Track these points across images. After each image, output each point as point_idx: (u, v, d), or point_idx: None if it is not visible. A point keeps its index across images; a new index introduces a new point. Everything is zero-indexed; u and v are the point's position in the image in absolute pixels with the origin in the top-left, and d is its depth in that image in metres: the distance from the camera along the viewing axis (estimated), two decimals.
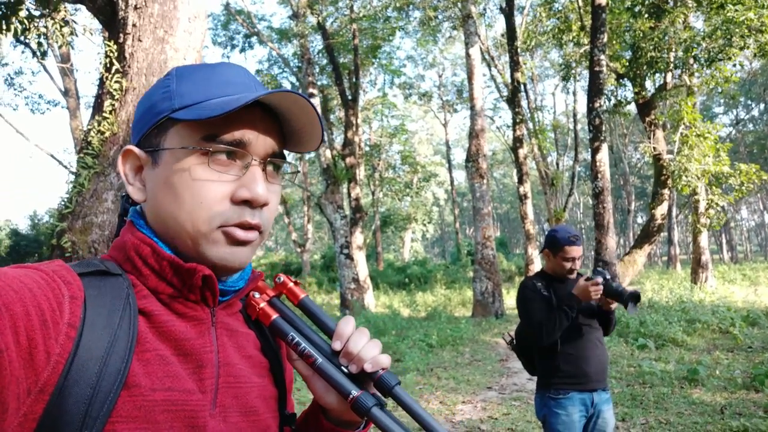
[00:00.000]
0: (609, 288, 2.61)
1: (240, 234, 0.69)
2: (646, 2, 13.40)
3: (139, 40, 3.85)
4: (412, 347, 8.75)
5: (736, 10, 11.61)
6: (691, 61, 13.58)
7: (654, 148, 14.44)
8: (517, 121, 17.12)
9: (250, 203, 0.69)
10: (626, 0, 14.34)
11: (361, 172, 20.76)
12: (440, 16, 19.91)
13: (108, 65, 3.92)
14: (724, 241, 42.61)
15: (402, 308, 15.50)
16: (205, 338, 0.70)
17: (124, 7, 3.90)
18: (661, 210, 14.48)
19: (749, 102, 36.07)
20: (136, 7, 3.86)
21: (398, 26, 18.75)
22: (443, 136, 37.72)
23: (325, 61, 19.39)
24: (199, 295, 0.70)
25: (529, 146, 18.89)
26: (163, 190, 0.70)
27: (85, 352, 0.59)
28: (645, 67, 13.76)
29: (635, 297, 2.61)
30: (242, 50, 23.52)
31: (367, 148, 25.46)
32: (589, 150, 12.71)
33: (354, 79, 17.49)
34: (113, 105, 3.86)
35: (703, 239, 16.79)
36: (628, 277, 14.64)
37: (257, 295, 0.77)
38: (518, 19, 19.57)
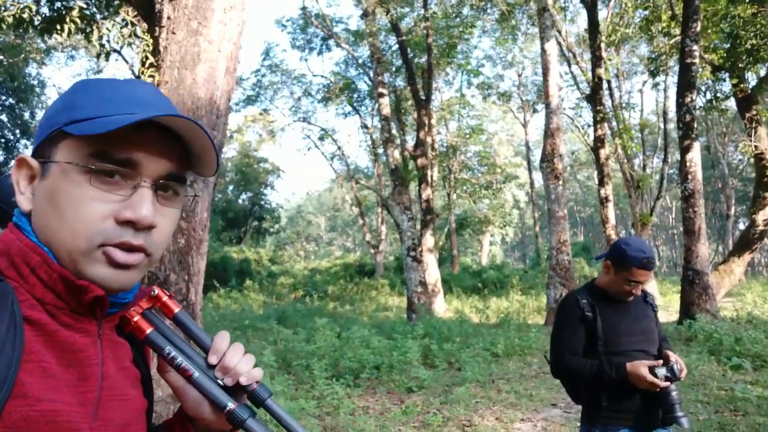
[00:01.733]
0: (665, 396, 2.17)
1: (120, 256, 0.68)
2: None
3: (173, 33, 3.75)
4: (475, 356, 8.29)
5: None
6: None
7: (755, 146, 13.05)
8: (598, 119, 16.13)
9: (134, 224, 0.68)
10: None
11: (434, 174, 20.39)
12: (518, 13, 19.19)
13: (144, 60, 3.87)
14: None
15: (473, 314, 14.97)
16: (91, 350, 0.70)
17: (160, 0, 3.83)
18: (763, 215, 13.05)
19: None
20: None
21: (473, 24, 18.21)
22: (523, 137, 36.50)
23: (399, 62, 19.21)
24: (88, 309, 0.70)
25: (611, 146, 17.78)
26: (48, 203, 0.69)
27: None
28: (744, 58, 12.45)
29: (670, 423, 2.20)
30: (320, 53, 23.88)
31: (443, 149, 25.00)
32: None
33: (427, 79, 17.16)
34: None
35: None
36: (723, 288, 13.33)
37: (131, 308, 0.77)
38: (603, 13, 18.48)
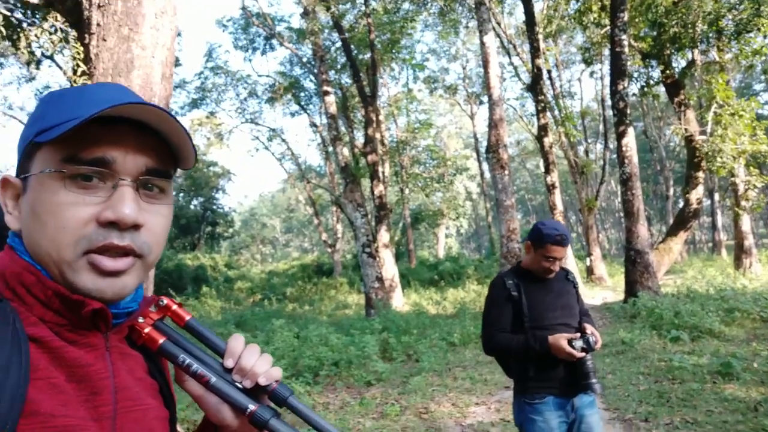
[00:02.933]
0: (581, 365, 2.36)
1: (107, 264, 0.66)
2: None
3: (104, 40, 3.71)
4: (432, 347, 8.47)
5: None
6: (718, 34, 12.82)
7: (685, 129, 13.74)
8: (540, 109, 16.60)
9: (117, 225, 0.66)
10: None
11: (386, 169, 20.52)
12: (458, 6, 19.50)
13: (75, 68, 3.81)
14: None
15: (430, 306, 15.20)
16: (99, 364, 0.69)
17: (88, 6, 3.77)
18: (696, 194, 13.77)
19: None
20: (99, 6, 3.73)
21: (414, 18, 18.40)
22: (471, 129, 37.10)
23: (344, 59, 19.23)
24: (91, 323, 0.68)
25: (555, 135, 18.33)
26: (30, 217, 0.68)
27: None
28: (669, 45, 13.08)
29: (585, 389, 2.40)
30: (263, 52, 23.61)
31: (393, 145, 25.17)
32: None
33: (372, 75, 17.25)
34: None
35: (745, 223, 15.93)
36: (664, 266, 13.99)
37: (141, 320, 0.75)
38: (540, 5, 19.01)
